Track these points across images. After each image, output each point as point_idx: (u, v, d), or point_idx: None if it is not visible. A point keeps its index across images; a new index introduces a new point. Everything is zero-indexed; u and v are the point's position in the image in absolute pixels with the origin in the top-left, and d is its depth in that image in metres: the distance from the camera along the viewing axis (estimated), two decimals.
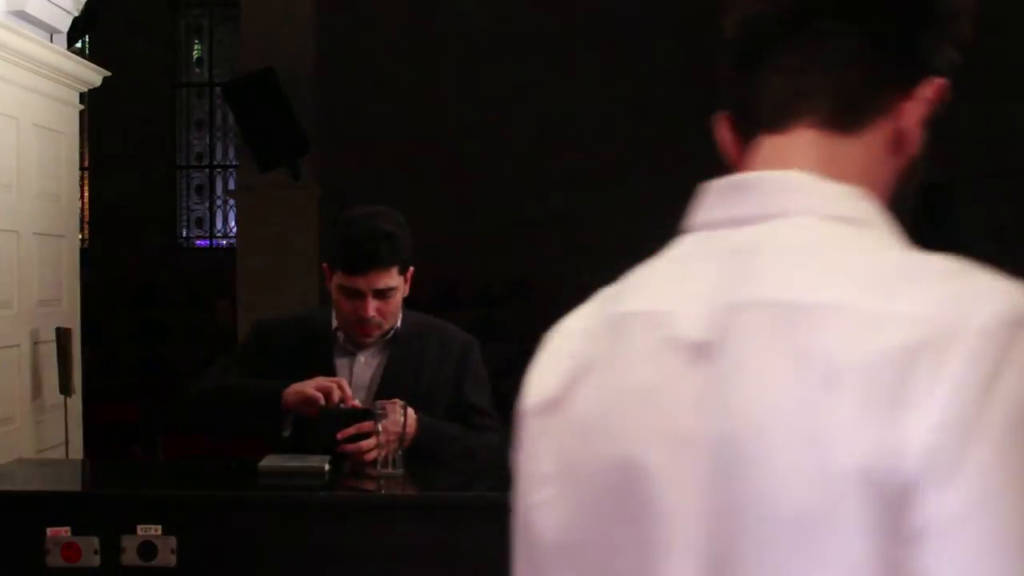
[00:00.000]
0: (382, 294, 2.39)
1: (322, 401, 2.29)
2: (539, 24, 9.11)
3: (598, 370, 0.80)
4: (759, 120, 0.83)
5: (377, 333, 2.45)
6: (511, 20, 9.09)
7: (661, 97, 8.52)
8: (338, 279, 2.40)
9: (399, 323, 2.50)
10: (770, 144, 0.82)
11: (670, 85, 7.86)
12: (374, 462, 2.24)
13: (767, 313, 0.72)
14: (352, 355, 2.48)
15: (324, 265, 2.50)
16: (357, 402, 2.36)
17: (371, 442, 2.26)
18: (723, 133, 0.88)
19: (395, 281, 2.40)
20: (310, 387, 2.31)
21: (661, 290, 0.80)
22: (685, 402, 0.74)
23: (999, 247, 6.73)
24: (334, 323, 2.50)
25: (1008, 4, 7.23)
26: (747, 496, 0.70)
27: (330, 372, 2.42)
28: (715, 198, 0.82)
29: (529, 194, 9.22)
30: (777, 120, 0.82)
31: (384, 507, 2.14)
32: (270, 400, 2.33)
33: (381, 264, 2.36)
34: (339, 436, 2.28)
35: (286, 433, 2.37)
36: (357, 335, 2.45)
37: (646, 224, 8.24)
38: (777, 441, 0.69)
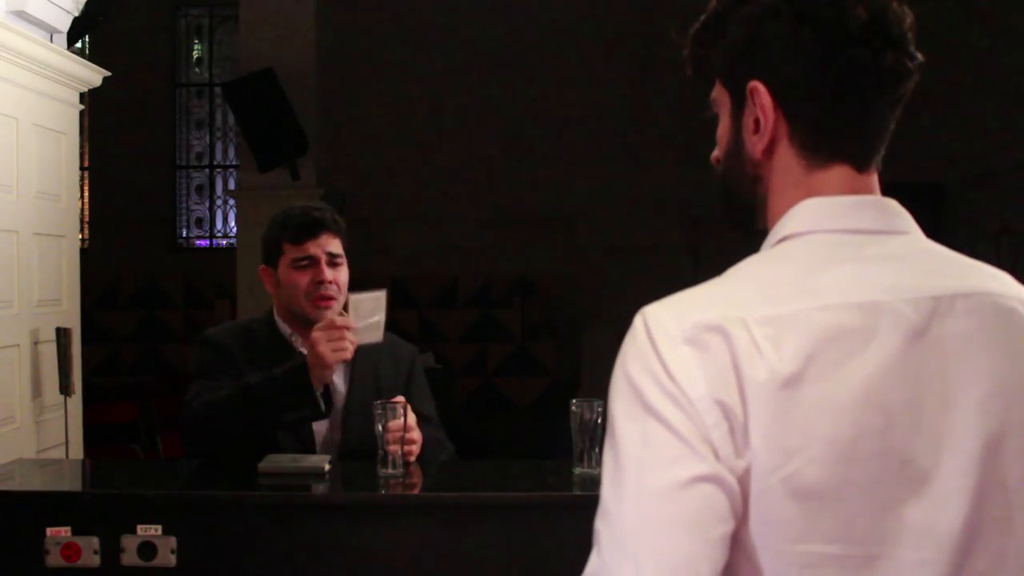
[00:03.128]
0: (333, 261, 2.48)
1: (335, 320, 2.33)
2: (540, 25, 9.11)
3: (834, 354, 0.91)
4: (847, 154, 1.01)
5: (335, 306, 2.46)
6: (512, 21, 9.08)
7: (661, 99, 8.52)
8: (289, 255, 2.48)
9: None
10: (860, 178, 1.02)
11: (671, 87, 7.85)
12: (383, 460, 2.23)
13: (973, 301, 0.96)
14: None
15: (262, 268, 2.55)
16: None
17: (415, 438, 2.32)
18: (767, 108, 1.01)
19: (341, 251, 2.51)
20: (319, 329, 2.33)
21: (856, 283, 0.95)
22: (915, 373, 0.92)
23: (995, 247, 6.73)
24: (285, 330, 2.51)
25: (1008, 7, 7.24)
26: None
27: None
28: (846, 212, 1.00)
29: (529, 194, 9.22)
30: (865, 160, 1.02)
31: (384, 507, 2.14)
32: (297, 371, 2.31)
33: (329, 228, 2.49)
34: (391, 426, 2.23)
35: (324, 411, 2.36)
36: (317, 308, 2.45)
37: (646, 224, 8.29)
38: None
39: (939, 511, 0.91)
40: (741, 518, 0.90)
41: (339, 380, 2.50)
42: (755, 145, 1.03)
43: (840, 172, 1.01)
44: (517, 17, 9.06)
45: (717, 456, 0.89)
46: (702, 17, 1.07)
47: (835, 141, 1.01)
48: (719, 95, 1.08)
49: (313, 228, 2.47)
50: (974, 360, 0.94)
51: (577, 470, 2.18)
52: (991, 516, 0.92)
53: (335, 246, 2.50)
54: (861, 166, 1.02)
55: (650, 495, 0.89)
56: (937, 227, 7.36)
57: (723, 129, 1.08)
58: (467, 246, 9.33)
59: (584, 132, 9.07)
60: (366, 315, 2.37)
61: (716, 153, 1.09)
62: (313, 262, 2.46)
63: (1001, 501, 0.92)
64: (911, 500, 0.91)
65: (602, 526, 0.91)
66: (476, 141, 9.22)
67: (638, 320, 0.95)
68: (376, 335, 2.40)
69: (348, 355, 2.34)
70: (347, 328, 2.33)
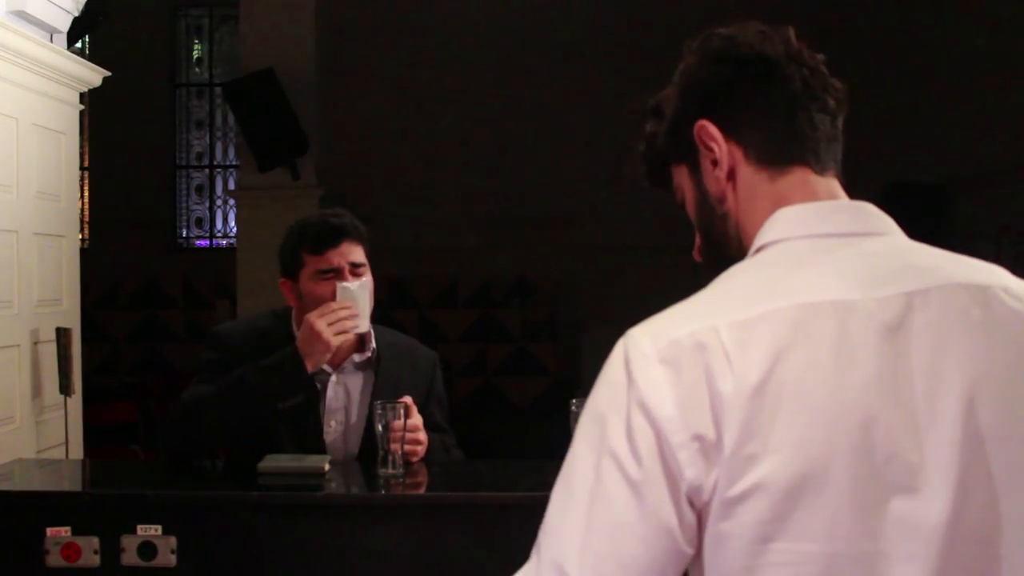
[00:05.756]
0: (355, 271, 2.39)
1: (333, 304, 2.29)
2: (541, 27, 9.11)
3: (804, 353, 0.91)
4: (802, 156, 1.05)
5: (361, 324, 2.37)
6: (512, 22, 9.09)
7: None
8: (310, 266, 2.39)
9: (374, 343, 2.47)
10: (820, 180, 1.05)
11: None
12: (383, 460, 2.22)
13: (950, 292, 0.96)
14: (325, 374, 2.43)
15: (281, 281, 2.46)
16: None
17: (422, 439, 2.30)
18: (718, 137, 1.07)
19: (364, 259, 2.42)
20: (315, 313, 2.29)
21: (828, 283, 0.95)
22: (892, 368, 0.92)
23: (995, 247, 6.73)
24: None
25: (1008, 7, 7.23)
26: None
27: None
28: (822, 217, 1.02)
29: (529, 194, 9.23)
30: (820, 161, 1.06)
31: (384, 507, 2.14)
32: (290, 357, 2.27)
33: (351, 235, 2.39)
34: (395, 426, 2.20)
35: (318, 393, 2.34)
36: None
37: (646, 224, 8.26)
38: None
39: (926, 503, 0.91)
40: (706, 525, 0.91)
41: (357, 390, 2.46)
42: (719, 178, 1.07)
43: (801, 174, 1.05)
44: (517, 18, 9.06)
45: (679, 481, 0.90)
46: (643, 139, 1.19)
47: (788, 145, 1.05)
48: (677, 176, 1.15)
49: (334, 236, 2.37)
50: (953, 350, 0.94)
51: None
52: (976, 504, 0.92)
53: (357, 254, 2.39)
54: (819, 168, 1.06)
55: (593, 531, 0.91)
56: (937, 227, 7.37)
57: (690, 200, 1.13)
58: (467, 246, 9.32)
59: (583, 133, 9.07)
60: (354, 303, 2.33)
61: (696, 242, 1.16)
62: (337, 274, 2.36)
63: (985, 488, 0.93)
64: (898, 495, 0.91)
65: (544, 541, 0.95)
66: (476, 141, 9.22)
67: (619, 344, 0.97)
68: (364, 324, 2.36)
69: (349, 335, 2.31)
70: (345, 308, 2.29)
